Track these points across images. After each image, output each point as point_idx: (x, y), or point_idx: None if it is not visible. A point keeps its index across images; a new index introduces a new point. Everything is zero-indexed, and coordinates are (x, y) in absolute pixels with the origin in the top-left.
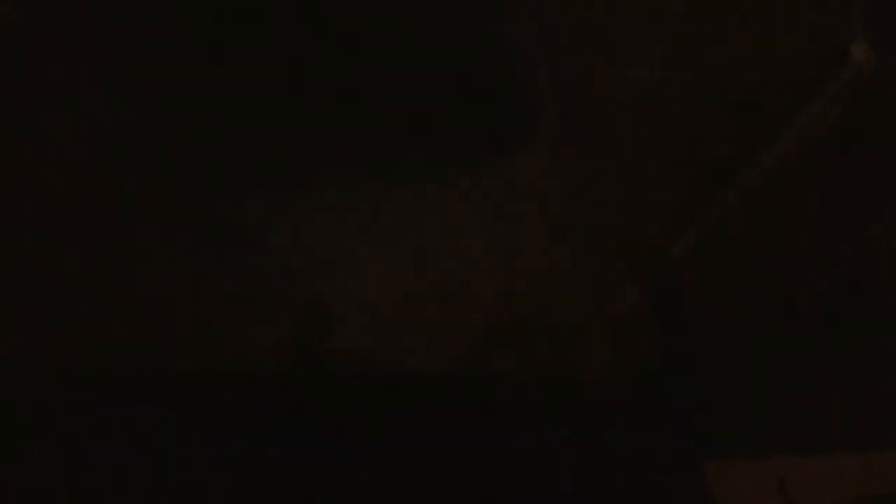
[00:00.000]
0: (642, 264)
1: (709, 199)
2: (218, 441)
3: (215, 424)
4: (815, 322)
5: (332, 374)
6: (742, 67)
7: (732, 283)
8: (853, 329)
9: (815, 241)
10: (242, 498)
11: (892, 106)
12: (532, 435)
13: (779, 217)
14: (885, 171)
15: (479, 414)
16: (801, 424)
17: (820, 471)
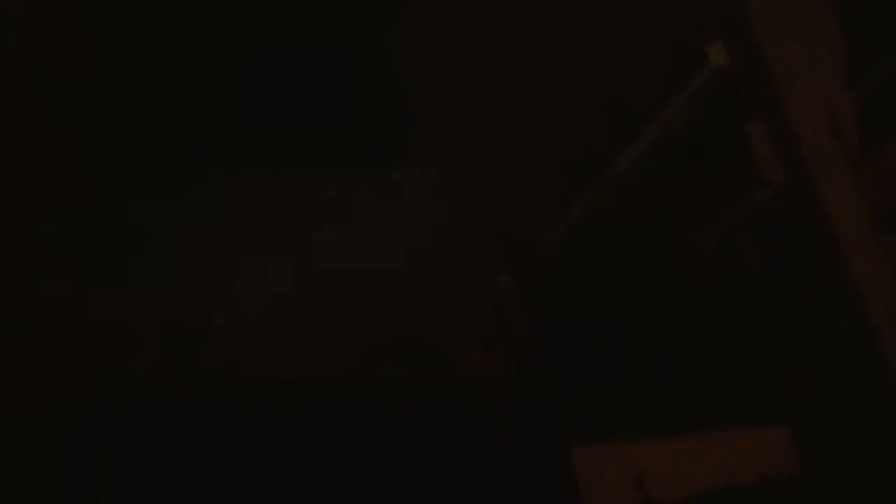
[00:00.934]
0: (513, 254)
1: (575, 193)
2: (92, 453)
3: (89, 436)
4: (673, 309)
5: (211, 383)
6: (607, 70)
7: (597, 272)
8: (708, 316)
9: (674, 233)
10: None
11: (745, 104)
12: (410, 430)
13: (640, 210)
14: (739, 168)
15: (360, 418)
16: (660, 409)
17: (677, 460)
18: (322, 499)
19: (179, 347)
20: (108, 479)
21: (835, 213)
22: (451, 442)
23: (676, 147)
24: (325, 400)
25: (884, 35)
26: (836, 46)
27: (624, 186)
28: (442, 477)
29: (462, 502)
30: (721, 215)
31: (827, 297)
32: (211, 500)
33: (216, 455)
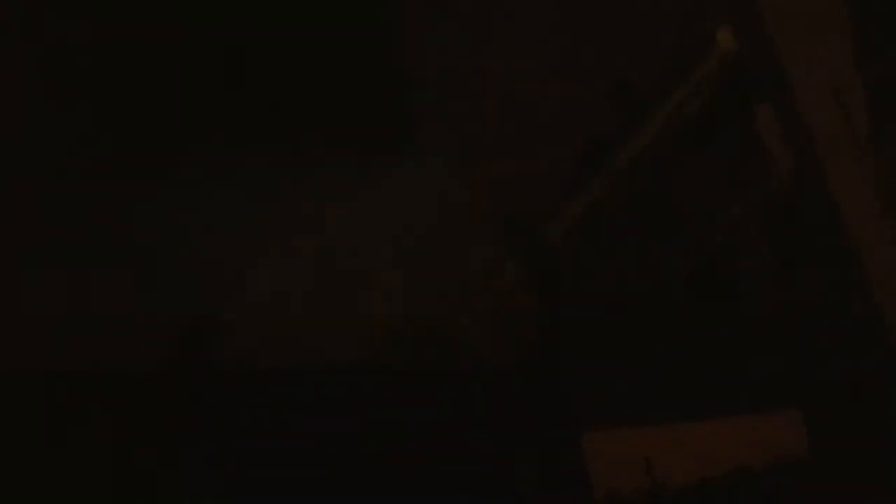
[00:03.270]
0: (521, 242)
1: (584, 181)
2: (100, 446)
3: (100, 428)
4: (683, 298)
5: (226, 373)
6: (615, 55)
7: (606, 261)
8: (717, 305)
9: (683, 221)
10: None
11: (754, 89)
12: (419, 419)
13: (649, 197)
14: (748, 153)
15: (374, 408)
16: (669, 395)
17: (685, 444)
18: (337, 486)
19: (191, 338)
20: (117, 468)
21: (844, 199)
22: (462, 430)
23: (685, 132)
24: (340, 389)
25: (891, 23)
26: (846, 32)
27: (633, 173)
28: (453, 464)
29: (473, 488)
30: (731, 201)
31: (837, 284)
32: (221, 489)
33: (229, 444)
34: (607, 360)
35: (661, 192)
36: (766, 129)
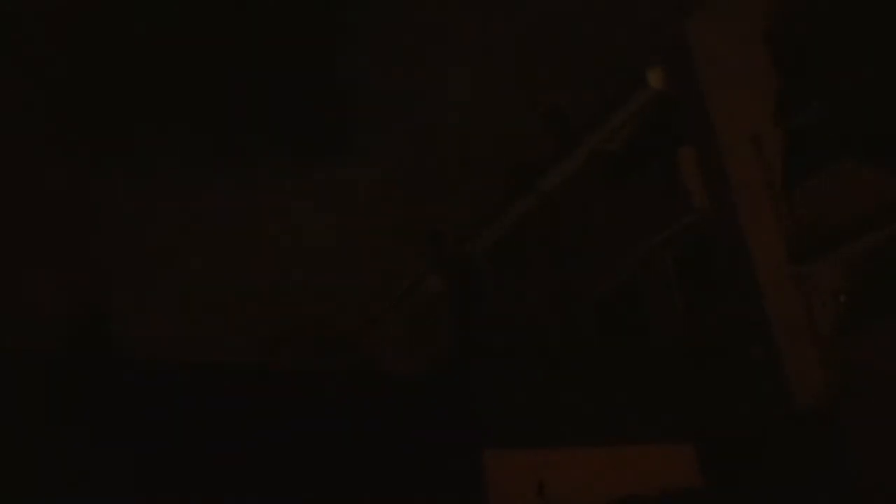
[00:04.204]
0: (445, 255)
1: (509, 202)
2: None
3: None
4: (592, 324)
5: (119, 361)
6: (552, 84)
7: (523, 282)
8: (627, 333)
9: (600, 247)
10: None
11: (679, 127)
12: (325, 424)
13: (569, 223)
14: (667, 190)
15: (275, 403)
16: (570, 420)
17: (580, 469)
18: (219, 486)
19: (87, 324)
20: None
21: (754, 242)
22: (361, 435)
23: (609, 164)
24: (227, 386)
25: (813, 77)
26: (770, 83)
27: (556, 198)
28: (349, 470)
29: (369, 496)
30: (646, 235)
31: (740, 323)
32: (104, 471)
33: (112, 428)
34: (515, 380)
35: (581, 220)
36: (686, 168)
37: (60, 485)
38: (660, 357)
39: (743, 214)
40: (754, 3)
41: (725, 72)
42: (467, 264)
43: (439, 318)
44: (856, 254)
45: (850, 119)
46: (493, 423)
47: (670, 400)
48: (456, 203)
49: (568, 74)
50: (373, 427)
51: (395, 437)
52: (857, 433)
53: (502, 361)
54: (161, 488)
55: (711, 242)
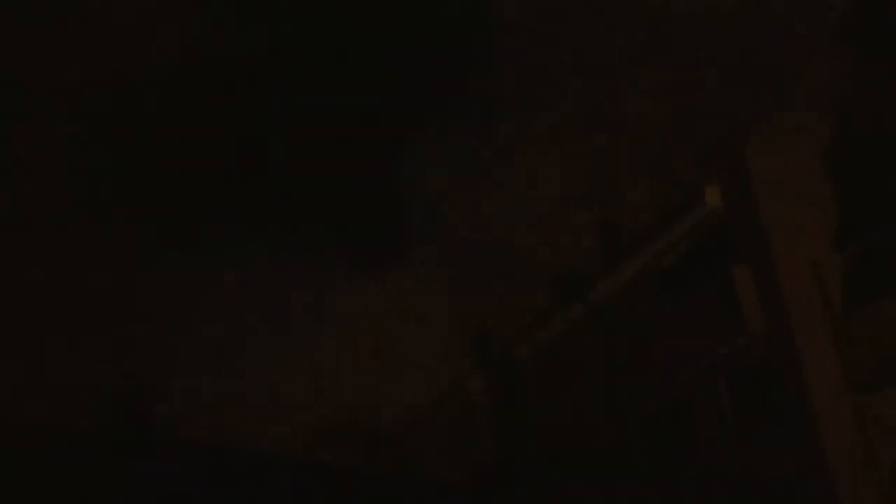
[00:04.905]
0: (489, 358)
1: (557, 310)
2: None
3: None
4: (639, 437)
5: (161, 445)
6: (604, 195)
7: (570, 391)
8: (673, 449)
9: (652, 361)
10: None
11: (735, 246)
12: None
13: (619, 336)
14: (722, 310)
15: (313, 498)
16: None
17: None
18: None
19: (128, 402)
20: None
21: (810, 369)
22: None
23: (663, 279)
24: (267, 477)
25: (873, 206)
26: (828, 209)
27: (607, 310)
28: None
29: None
30: (699, 354)
31: (794, 451)
32: None
33: None
34: (557, 492)
35: (631, 332)
36: (742, 289)
37: None
38: (709, 474)
39: (800, 339)
40: (814, 125)
41: (783, 193)
42: (512, 367)
43: (482, 422)
44: None
45: None
46: None
47: None
48: (504, 307)
49: (624, 187)
50: None
51: None
52: None
53: (544, 472)
54: None
55: (767, 365)
